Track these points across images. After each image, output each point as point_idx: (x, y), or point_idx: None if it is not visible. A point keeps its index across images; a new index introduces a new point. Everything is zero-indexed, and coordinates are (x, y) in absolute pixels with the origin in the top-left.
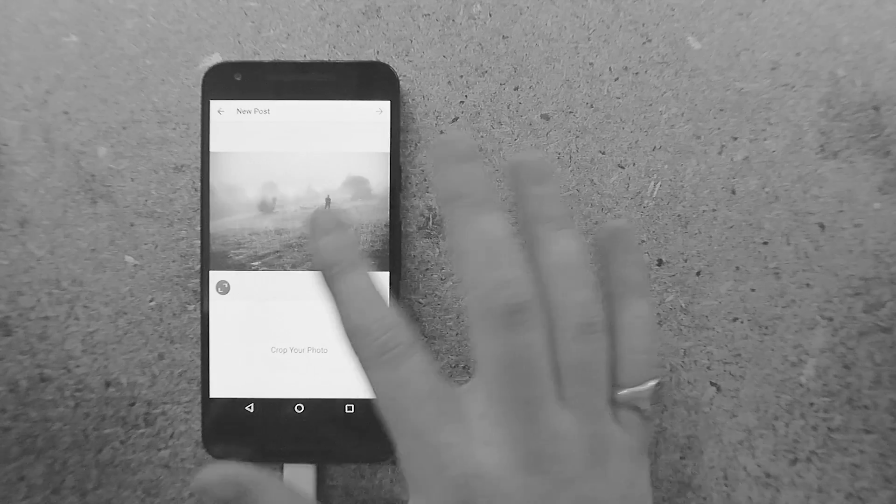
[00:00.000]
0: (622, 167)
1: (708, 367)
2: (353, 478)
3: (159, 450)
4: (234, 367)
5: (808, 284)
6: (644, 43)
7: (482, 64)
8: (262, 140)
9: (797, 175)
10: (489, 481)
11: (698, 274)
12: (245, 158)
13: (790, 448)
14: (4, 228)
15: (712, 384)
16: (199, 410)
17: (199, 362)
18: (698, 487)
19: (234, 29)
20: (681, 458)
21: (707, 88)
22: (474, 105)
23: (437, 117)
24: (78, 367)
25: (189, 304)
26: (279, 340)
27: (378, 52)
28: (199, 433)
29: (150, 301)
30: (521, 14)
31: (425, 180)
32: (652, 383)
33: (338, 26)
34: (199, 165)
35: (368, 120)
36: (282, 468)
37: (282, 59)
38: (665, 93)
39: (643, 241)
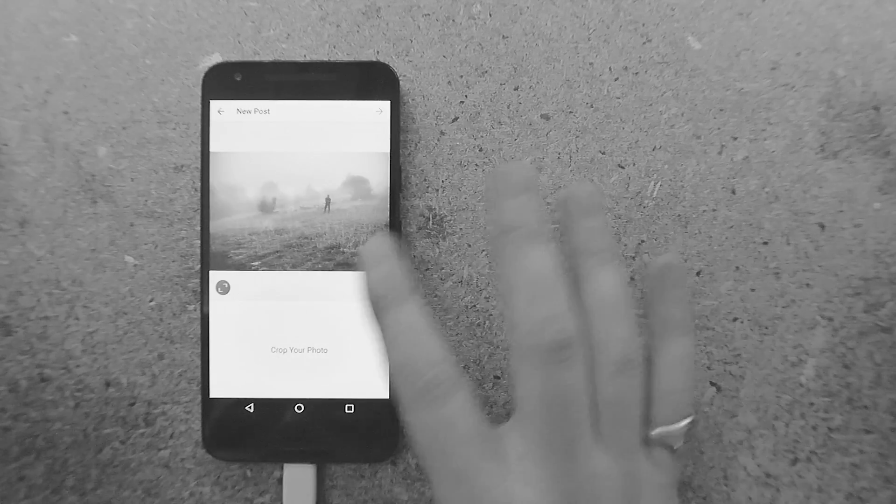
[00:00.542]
0: (622, 167)
1: (708, 367)
2: (353, 478)
3: (159, 450)
4: (234, 367)
5: (808, 284)
6: (644, 43)
7: (482, 64)
8: (262, 140)
9: (797, 175)
10: None
11: (698, 274)
12: (245, 158)
13: (790, 448)
14: (4, 228)
15: (712, 384)
16: (199, 410)
17: (199, 362)
18: (698, 487)
19: (234, 29)
20: None
21: (707, 88)
22: (474, 105)
23: (437, 117)
24: (78, 367)
25: (189, 304)
26: (279, 340)
27: (378, 52)
28: (199, 433)
29: (150, 301)
30: (521, 14)
31: (425, 180)
32: (685, 422)
33: (338, 26)
34: (199, 165)
35: (368, 120)
36: (282, 468)
37: (282, 59)
38: (665, 93)
39: (643, 241)
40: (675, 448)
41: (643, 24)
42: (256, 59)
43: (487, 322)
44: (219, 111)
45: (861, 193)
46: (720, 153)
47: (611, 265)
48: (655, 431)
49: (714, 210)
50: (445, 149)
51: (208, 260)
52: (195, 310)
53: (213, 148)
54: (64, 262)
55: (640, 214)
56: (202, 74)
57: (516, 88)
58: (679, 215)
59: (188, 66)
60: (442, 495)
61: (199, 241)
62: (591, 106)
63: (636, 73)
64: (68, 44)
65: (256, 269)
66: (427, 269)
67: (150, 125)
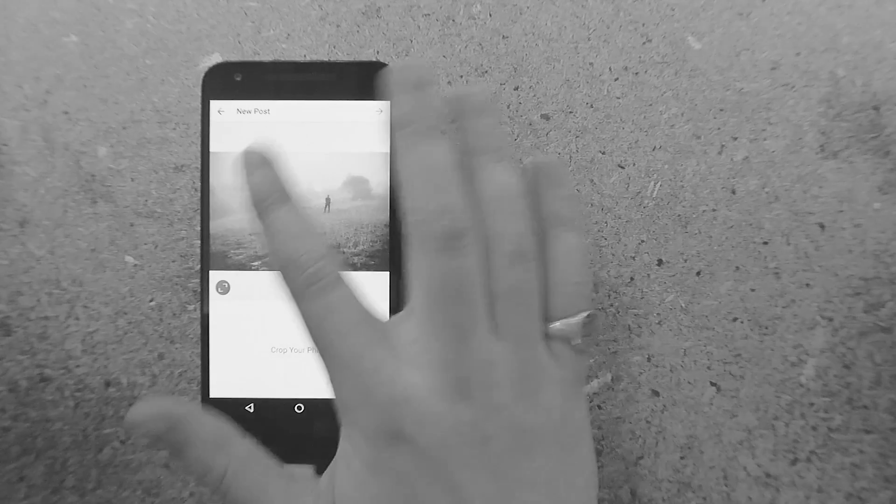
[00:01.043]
0: (622, 167)
1: (708, 367)
2: None
3: (159, 450)
4: (234, 367)
5: (808, 284)
6: (644, 43)
7: (482, 64)
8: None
9: (797, 175)
10: (417, 405)
11: (698, 274)
12: None
13: (790, 448)
14: (4, 228)
15: (712, 384)
16: None
17: (199, 362)
18: (698, 487)
19: (234, 29)
20: (681, 458)
21: (707, 88)
22: None
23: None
24: (78, 367)
25: (189, 304)
26: (279, 340)
27: (378, 52)
28: None
29: (150, 301)
30: (521, 14)
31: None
32: (583, 315)
33: (338, 26)
34: (199, 165)
35: (368, 120)
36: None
37: (282, 59)
38: (665, 93)
39: (643, 241)
40: (574, 342)
41: (643, 24)
42: (256, 59)
43: None
44: (219, 111)
45: (861, 193)
46: (720, 153)
47: (504, 163)
48: (553, 325)
49: (714, 210)
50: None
51: (208, 260)
52: (195, 310)
53: (213, 148)
54: (64, 262)
55: (640, 214)
56: (202, 74)
57: (516, 88)
58: (679, 215)
59: (188, 66)
60: (334, 380)
61: (199, 241)
62: (591, 106)
63: (636, 73)
64: (68, 44)
65: (256, 269)
66: None
67: (150, 125)
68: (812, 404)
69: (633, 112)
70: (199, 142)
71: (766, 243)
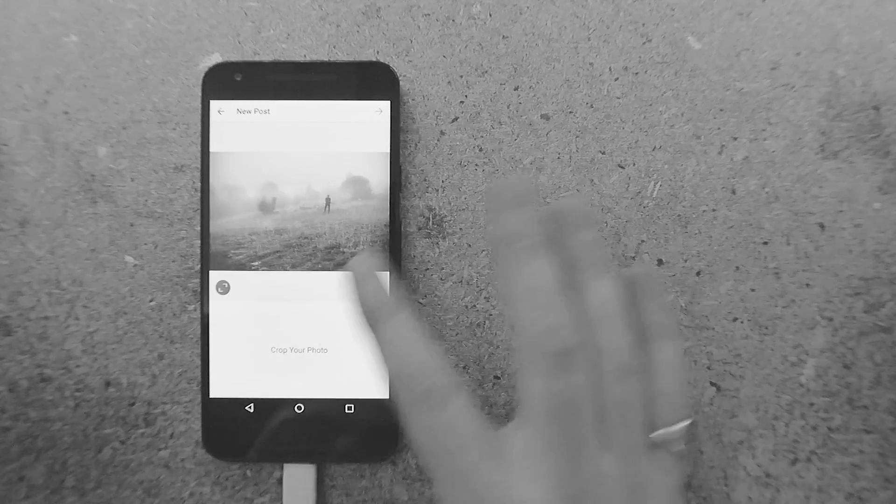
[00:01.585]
0: (622, 167)
1: (708, 367)
2: (353, 478)
3: (159, 450)
4: (234, 367)
5: (808, 284)
6: (644, 43)
7: (482, 64)
8: (262, 140)
9: (797, 175)
10: None
11: (698, 274)
12: (245, 158)
13: (790, 448)
14: (4, 228)
15: (712, 384)
16: (199, 410)
17: (199, 362)
18: (698, 487)
19: (234, 29)
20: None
21: (707, 88)
22: (474, 105)
23: (437, 117)
24: (78, 367)
25: (189, 304)
26: (279, 340)
27: (378, 52)
28: (199, 433)
29: (150, 301)
30: (521, 14)
31: (425, 180)
32: (684, 423)
33: (338, 26)
34: (199, 165)
35: (368, 120)
36: (282, 468)
37: (282, 59)
38: (665, 93)
39: (643, 241)
40: (675, 450)
41: (643, 24)
42: (256, 59)
43: (487, 322)
44: (219, 111)
45: (861, 193)
46: (720, 153)
47: (606, 276)
48: (656, 434)
49: (714, 210)
50: (445, 149)
51: (208, 260)
52: (195, 310)
53: (213, 148)
54: (64, 262)
55: (640, 214)
56: (202, 74)
57: (516, 88)
58: (679, 215)
59: (188, 66)
60: (444, 495)
61: (199, 241)
62: (591, 106)
63: (636, 73)
64: (68, 44)
65: (256, 269)
66: (427, 269)
67: (150, 125)
68: (812, 404)
69: (633, 112)
70: (199, 142)
71: (766, 243)
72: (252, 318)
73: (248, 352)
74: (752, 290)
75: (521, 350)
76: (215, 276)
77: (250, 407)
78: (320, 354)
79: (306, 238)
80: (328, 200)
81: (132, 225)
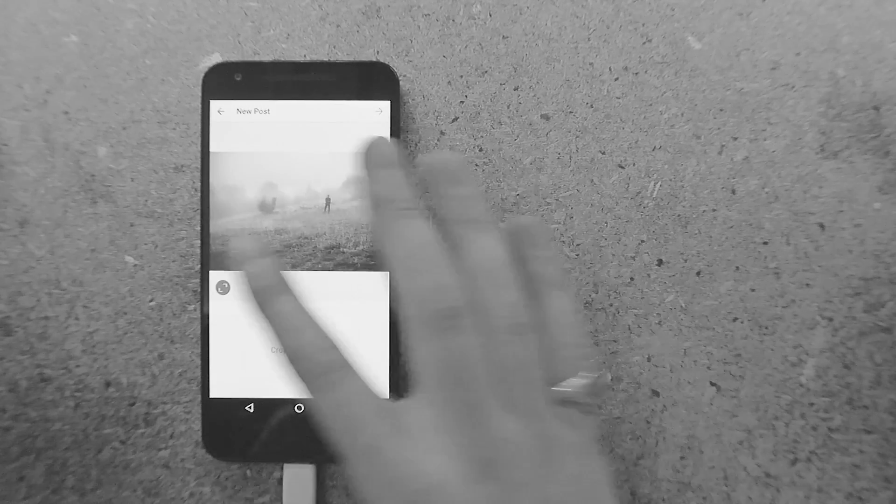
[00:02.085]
0: (622, 167)
1: (708, 367)
2: None
3: (159, 450)
4: (234, 367)
5: (808, 284)
6: (644, 43)
7: (482, 64)
8: (262, 140)
9: (797, 175)
10: (445, 493)
11: (698, 274)
12: (245, 158)
13: (790, 448)
14: (4, 228)
15: (712, 384)
16: (199, 410)
17: (199, 362)
18: (698, 487)
19: (234, 29)
20: (681, 458)
21: (707, 88)
22: (474, 105)
23: (437, 117)
24: (78, 367)
25: (189, 304)
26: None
27: (378, 52)
28: (199, 433)
29: (150, 301)
30: (521, 14)
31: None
32: (586, 375)
33: (338, 26)
34: (199, 165)
35: (368, 120)
36: (282, 468)
37: (282, 59)
38: (665, 93)
39: (643, 241)
40: (581, 404)
41: (643, 24)
42: (256, 59)
43: None
44: (219, 111)
45: (861, 193)
46: (720, 153)
47: (488, 232)
48: (557, 389)
49: (714, 210)
50: (445, 149)
51: (208, 260)
52: (195, 310)
53: (213, 148)
54: (64, 262)
55: (640, 214)
56: (202, 74)
57: (516, 88)
58: (679, 215)
59: (188, 66)
60: (356, 476)
61: (199, 241)
62: (591, 106)
63: (636, 73)
64: (68, 44)
65: None
66: None
67: (150, 125)
68: (812, 404)
69: (633, 112)
70: (199, 142)
71: (766, 243)
72: (252, 318)
73: (248, 352)
74: (752, 290)
75: (406, 316)
76: (215, 276)
77: (250, 407)
78: None
79: (306, 238)
80: (328, 200)
81: (132, 225)
